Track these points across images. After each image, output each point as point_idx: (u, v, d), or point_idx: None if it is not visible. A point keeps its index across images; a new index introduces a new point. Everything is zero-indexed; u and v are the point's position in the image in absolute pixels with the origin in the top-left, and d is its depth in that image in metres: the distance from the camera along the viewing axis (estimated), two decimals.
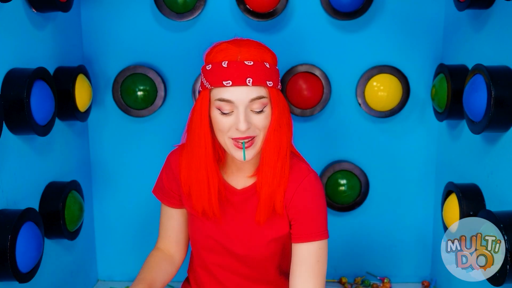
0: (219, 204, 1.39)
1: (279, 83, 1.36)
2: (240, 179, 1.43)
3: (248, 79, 1.26)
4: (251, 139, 1.30)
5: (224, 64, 1.28)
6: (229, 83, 1.26)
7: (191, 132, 1.36)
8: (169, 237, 1.54)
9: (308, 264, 1.35)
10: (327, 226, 1.40)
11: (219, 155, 1.40)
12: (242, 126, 1.26)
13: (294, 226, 1.38)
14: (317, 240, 1.36)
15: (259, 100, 1.28)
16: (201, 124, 1.33)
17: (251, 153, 1.31)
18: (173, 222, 1.53)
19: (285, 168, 1.36)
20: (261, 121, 1.30)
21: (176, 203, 1.51)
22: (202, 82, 1.34)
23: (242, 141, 1.29)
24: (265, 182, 1.35)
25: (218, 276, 1.48)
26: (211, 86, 1.30)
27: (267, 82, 1.29)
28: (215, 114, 1.31)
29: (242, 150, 1.30)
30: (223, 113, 1.29)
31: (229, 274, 1.47)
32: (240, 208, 1.42)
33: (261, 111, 1.29)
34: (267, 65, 1.30)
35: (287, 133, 1.35)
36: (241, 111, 1.27)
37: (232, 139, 1.30)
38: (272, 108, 1.32)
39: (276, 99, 1.31)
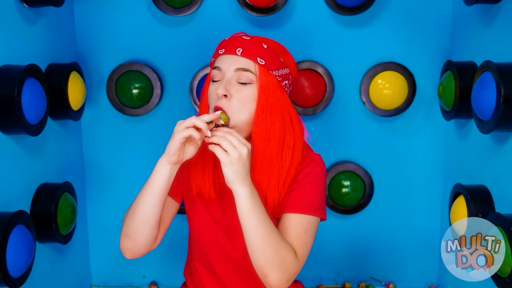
0: (217, 188, 1.41)
1: (279, 73, 1.37)
2: None
3: (239, 49, 1.35)
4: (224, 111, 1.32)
5: (227, 38, 1.40)
6: (222, 50, 1.37)
7: (200, 108, 1.44)
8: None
9: (294, 233, 1.35)
10: (325, 211, 1.41)
11: None
12: (220, 90, 1.31)
13: (289, 196, 1.39)
14: (309, 214, 1.36)
15: (244, 72, 1.34)
16: (202, 101, 1.42)
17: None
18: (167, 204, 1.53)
19: (280, 161, 1.37)
20: (244, 95, 1.33)
21: (175, 191, 1.51)
22: (210, 62, 1.44)
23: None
24: (255, 167, 1.36)
25: (219, 272, 1.48)
26: (212, 58, 1.41)
27: (258, 58, 1.34)
28: (210, 85, 1.39)
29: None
30: (213, 81, 1.37)
31: (229, 271, 1.48)
32: (232, 202, 1.42)
33: (245, 84, 1.34)
34: (264, 46, 1.36)
35: (282, 122, 1.36)
36: (225, 78, 1.34)
37: (214, 107, 1.34)
38: (259, 87, 1.34)
39: (265, 80, 1.34)
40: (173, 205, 1.51)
